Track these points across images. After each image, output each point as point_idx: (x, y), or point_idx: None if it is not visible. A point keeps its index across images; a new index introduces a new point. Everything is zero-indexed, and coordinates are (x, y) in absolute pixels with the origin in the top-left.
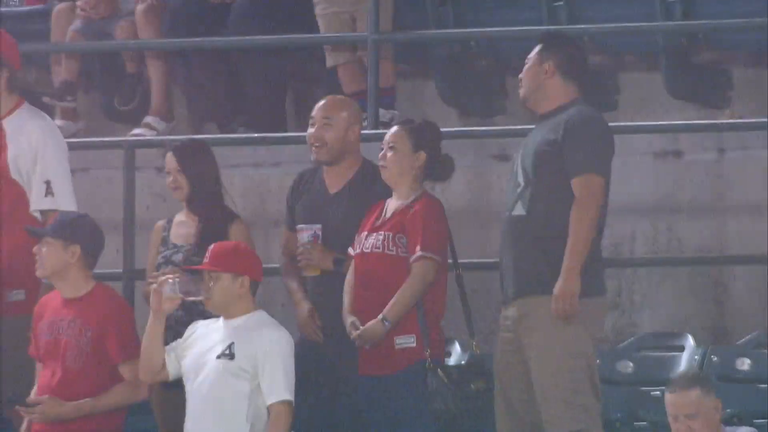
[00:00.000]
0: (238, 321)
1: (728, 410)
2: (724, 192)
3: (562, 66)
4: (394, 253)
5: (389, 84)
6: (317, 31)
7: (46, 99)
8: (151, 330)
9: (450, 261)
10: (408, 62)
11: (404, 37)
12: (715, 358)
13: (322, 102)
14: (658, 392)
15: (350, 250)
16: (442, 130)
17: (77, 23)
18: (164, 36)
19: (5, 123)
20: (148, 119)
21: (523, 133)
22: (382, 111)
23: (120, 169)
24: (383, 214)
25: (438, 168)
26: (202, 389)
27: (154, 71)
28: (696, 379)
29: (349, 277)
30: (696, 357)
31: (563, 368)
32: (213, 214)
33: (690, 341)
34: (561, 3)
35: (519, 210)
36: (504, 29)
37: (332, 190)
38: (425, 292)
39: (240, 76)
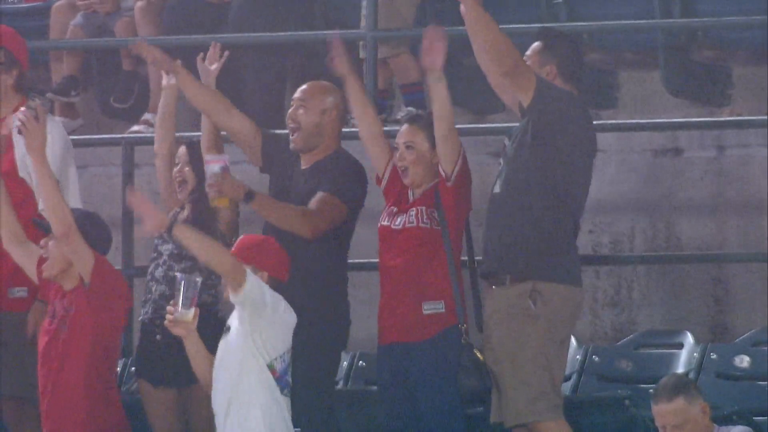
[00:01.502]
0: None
1: (727, 408)
2: (723, 189)
3: (562, 69)
4: (428, 226)
5: (414, 79)
6: (316, 28)
7: (49, 95)
8: (188, 351)
9: (465, 258)
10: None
11: (402, 35)
12: (714, 356)
13: (303, 86)
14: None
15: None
16: None
17: (78, 18)
18: (163, 33)
19: (9, 121)
20: (147, 116)
21: None
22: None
23: (118, 166)
24: (409, 197)
25: None
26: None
27: (153, 68)
28: (678, 387)
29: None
30: (695, 354)
31: (515, 360)
32: (208, 209)
33: (689, 339)
34: (560, 1)
35: (497, 188)
36: (503, 27)
37: (303, 166)
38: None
39: (239, 73)
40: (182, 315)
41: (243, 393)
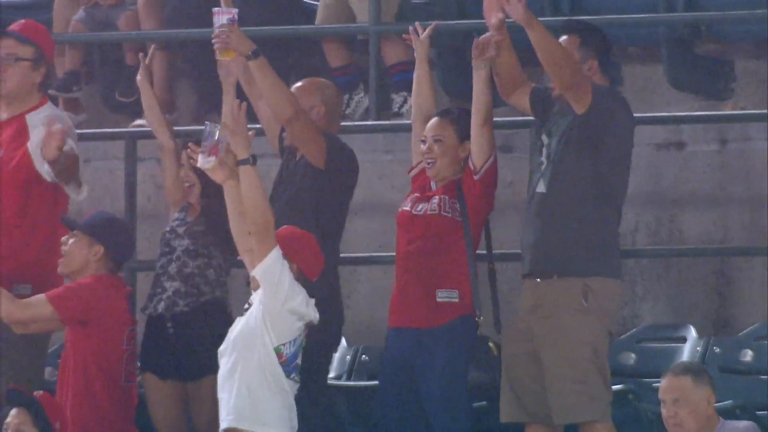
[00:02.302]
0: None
1: (730, 401)
2: (726, 183)
3: (602, 64)
4: (449, 215)
5: (402, 59)
6: (315, 22)
7: (51, 91)
8: (236, 194)
9: (484, 251)
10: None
11: (405, 28)
12: (717, 350)
13: (297, 83)
14: (659, 384)
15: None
16: None
17: (80, 13)
18: (166, 27)
19: (28, 118)
20: None
21: (526, 124)
22: (393, 96)
23: (121, 160)
24: (433, 187)
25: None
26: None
27: (157, 63)
28: (690, 368)
29: None
30: (698, 348)
31: (571, 357)
32: (217, 208)
33: (692, 332)
34: None
35: (541, 187)
36: (510, 21)
37: (297, 158)
38: None
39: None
40: (203, 163)
41: (243, 368)
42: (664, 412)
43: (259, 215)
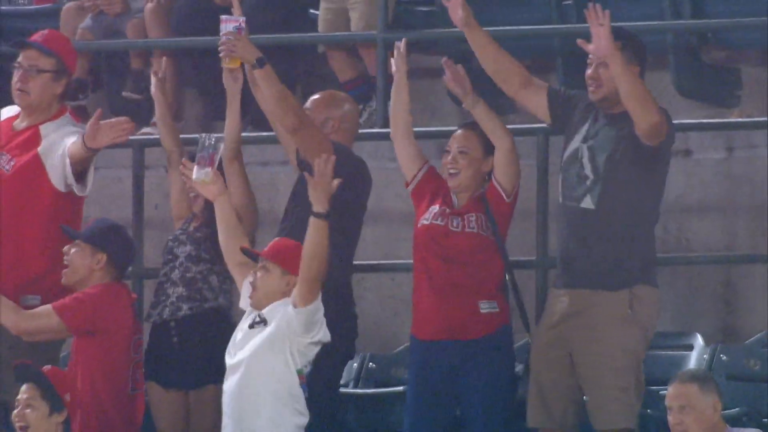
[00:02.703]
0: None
1: (737, 409)
2: (732, 191)
3: (642, 69)
4: (486, 234)
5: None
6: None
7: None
8: (218, 215)
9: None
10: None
11: (414, 36)
12: (724, 357)
13: (314, 95)
14: (666, 391)
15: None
16: (450, 128)
17: (87, 21)
18: (173, 35)
19: (42, 128)
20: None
21: (531, 132)
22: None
23: (129, 168)
24: (455, 202)
25: None
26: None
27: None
28: (696, 376)
29: None
30: (705, 356)
31: (615, 366)
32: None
33: (699, 340)
34: (570, 2)
35: (587, 203)
36: (513, 28)
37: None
38: None
39: (248, 75)
40: (199, 175)
41: (260, 388)
42: (670, 419)
43: (318, 265)
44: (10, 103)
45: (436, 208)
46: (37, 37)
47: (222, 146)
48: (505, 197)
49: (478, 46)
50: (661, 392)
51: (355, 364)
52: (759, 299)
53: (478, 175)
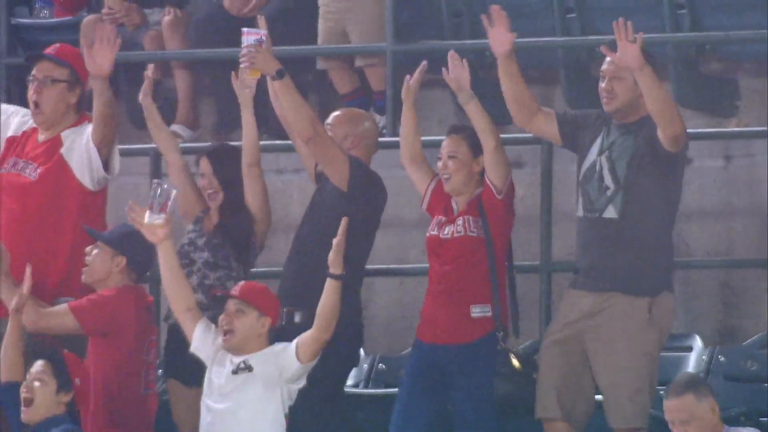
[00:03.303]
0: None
1: (735, 409)
2: (731, 197)
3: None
4: (475, 234)
5: (382, 88)
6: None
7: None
8: (160, 257)
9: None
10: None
11: (422, 48)
12: (723, 359)
13: (335, 112)
14: (663, 392)
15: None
16: None
17: None
18: (190, 47)
19: (63, 135)
20: (175, 127)
21: (536, 141)
22: (377, 115)
23: (146, 176)
24: (455, 209)
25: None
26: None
27: (181, 81)
28: (689, 385)
29: None
30: (704, 357)
31: (632, 368)
32: (239, 217)
33: (698, 342)
34: (573, 15)
35: (610, 213)
36: (519, 40)
37: (330, 184)
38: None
39: (263, 85)
40: (152, 219)
41: (250, 425)
42: (673, 430)
43: (334, 325)
44: None
45: (437, 218)
46: (49, 49)
47: (174, 193)
48: (495, 194)
49: (511, 75)
50: (661, 392)
51: (365, 365)
52: (757, 302)
53: (470, 177)
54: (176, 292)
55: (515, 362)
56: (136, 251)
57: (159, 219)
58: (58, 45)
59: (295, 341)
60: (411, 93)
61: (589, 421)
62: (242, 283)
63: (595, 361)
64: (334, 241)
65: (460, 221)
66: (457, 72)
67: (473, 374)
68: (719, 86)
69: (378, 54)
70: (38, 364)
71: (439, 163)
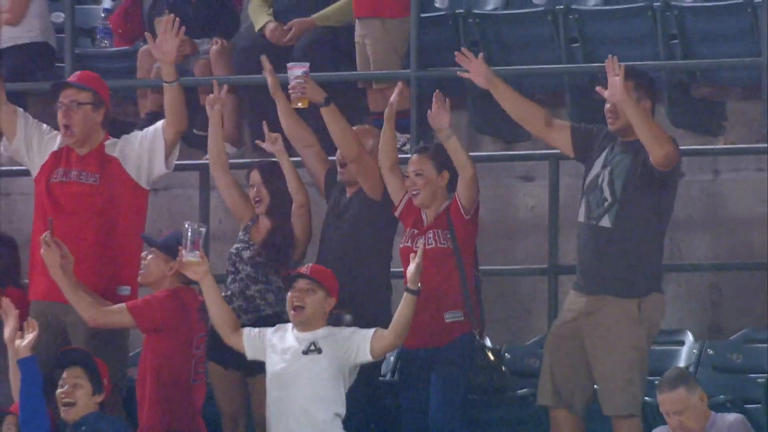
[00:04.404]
0: (317, 332)
1: (722, 397)
2: (718, 208)
3: (653, 102)
4: (444, 245)
5: (405, 106)
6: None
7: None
8: (205, 295)
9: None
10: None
11: (442, 74)
12: (711, 352)
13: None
14: (658, 383)
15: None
16: (474, 154)
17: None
18: (235, 73)
19: (107, 145)
20: None
21: (544, 157)
22: (397, 134)
23: (196, 188)
24: (424, 221)
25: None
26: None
27: (227, 103)
28: (680, 379)
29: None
30: (694, 350)
31: (623, 361)
32: (284, 223)
33: (689, 337)
34: (577, 45)
35: (605, 222)
36: (527, 67)
37: (348, 194)
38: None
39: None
40: (188, 257)
41: (325, 409)
42: (670, 422)
43: (401, 339)
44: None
45: (409, 231)
46: (71, 77)
47: (203, 230)
48: (464, 213)
49: (503, 99)
50: (656, 381)
51: (392, 358)
52: (741, 301)
53: (437, 191)
54: (222, 318)
55: (491, 356)
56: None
57: (194, 257)
58: (79, 72)
59: (370, 336)
60: (392, 113)
61: (589, 409)
62: (311, 264)
63: (591, 355)
64: (414, 262)
65: (430, 234)
66: (439, 113)
67: (447, 371)
68: (708, 108)
69: (402, 79)
70: (72, 371)
71: (407, 181)
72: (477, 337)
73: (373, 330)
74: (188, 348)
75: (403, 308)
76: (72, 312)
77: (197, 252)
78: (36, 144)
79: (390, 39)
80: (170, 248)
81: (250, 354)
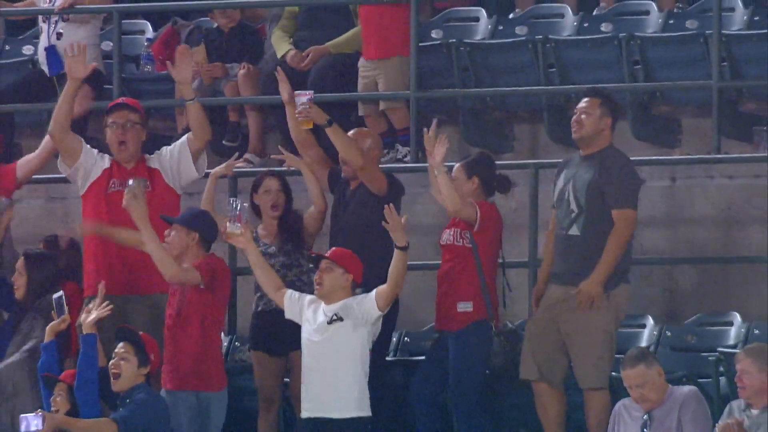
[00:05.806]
0: (337, 305)
1: (679, 372)
2: (675, 210)
3: (614, 121)
4: (461, 244)
5: (405, 125)
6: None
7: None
8: (250, 261)
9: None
10: (442, 113)
11: (438, 95)
12: (669, 334)
13: (350, 132)
14: (622, 360)
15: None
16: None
17: (195, 82)
18: (260, 93)
19: (147, 159)
20: (247, 155)
21: (525, 167)
22: (399, 147)
23: (226, 193)
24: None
25: (496, 185)
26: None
27: (252, 120)
28: (640, 357)
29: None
30: (654, 333)
31: (595, 342)
32: (294, 221)
33: (650, 321)
34: (554, 70)
35: (574, 231)
36: (511, 89)
37: (352, 188)
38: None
39: (315, 125)
40: (232, 228)
41: (348, 369)
42: (632, 394)
43: (402, 284)
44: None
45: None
46: (119, 100)
47: (246, 206)
48: (469, 227)
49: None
50: (621, 360)
51: (395, 339)
52: (695, 291)
53: (467, 194)
54: (266, 278)
55: (506, 342)
56: (205, 226)
57: (237, 229)
58: (123, 98)
59: (372, 294)
60: (434, 144)
61: (567, 383)
62: (334, 249)
63: (567, 336)
64: (391, 222)
65: (450, 232)
66: (437, 148)
67: (459, 355)
68: (666, 124)
69: (403, 99)
70: (122, 346)
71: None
72: (493, 327)
73: (375, 290)
74: (226, 304)
75: (395, 262)
76: (131, 302)
77: (239, 225)
78: (90, 168)
79: (404, 72)
80: (189, 222)
81: (288, 314)
